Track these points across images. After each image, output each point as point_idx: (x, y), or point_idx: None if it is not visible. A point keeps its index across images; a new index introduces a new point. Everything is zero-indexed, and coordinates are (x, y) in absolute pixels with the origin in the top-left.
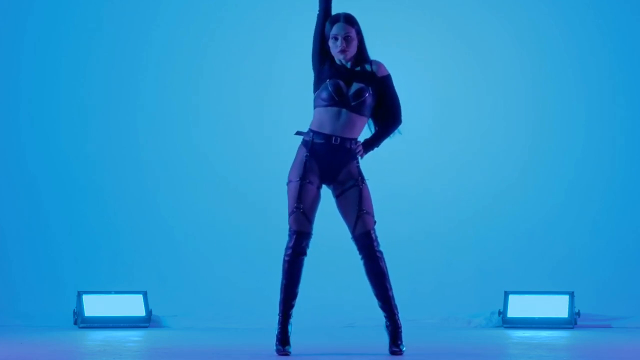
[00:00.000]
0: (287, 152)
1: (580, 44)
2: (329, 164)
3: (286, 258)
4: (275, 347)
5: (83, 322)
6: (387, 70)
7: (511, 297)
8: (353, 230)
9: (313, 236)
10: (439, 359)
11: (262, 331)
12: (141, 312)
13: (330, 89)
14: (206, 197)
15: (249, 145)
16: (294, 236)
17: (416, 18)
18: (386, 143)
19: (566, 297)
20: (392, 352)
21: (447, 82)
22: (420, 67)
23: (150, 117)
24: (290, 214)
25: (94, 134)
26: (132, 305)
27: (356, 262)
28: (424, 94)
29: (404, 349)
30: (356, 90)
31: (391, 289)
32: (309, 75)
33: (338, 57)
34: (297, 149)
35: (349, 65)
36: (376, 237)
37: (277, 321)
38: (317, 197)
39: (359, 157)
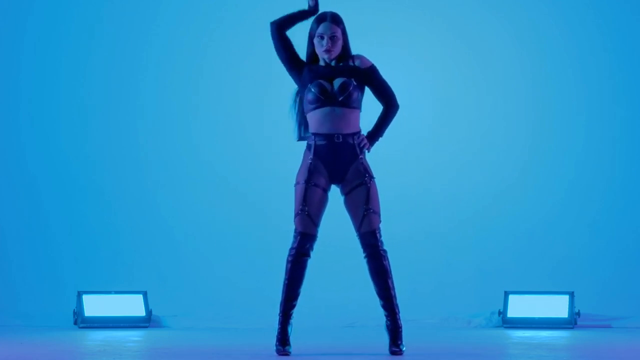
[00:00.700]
0: (287, 152)
1: (580, 44)
2: (335, 163)
3: (289, 258)
4: (275, 347)
5: (83, 322)
6: (370, 61)
7: (511, 297)
8: (358, 228)
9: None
10: (439, 359)
11: (262, 331)
12: (141, 312)
13: (313, 90)
14: (206, 197)
15: (249, 145)
16: (298, 237)
17: (416, 18)
18: (386, 143)
19: (566, 297)
20: (392, 352)
21: (447, 82)
22: (420, 67)
23: (150, 117)
24: (295, 216)
25: (94, 134)
26: (132, 305)
27: (356, 263)
28: (424, 94)
29: (404, 349)
30: (340, 85)
31: (393, 288)
32: None
33: (322, 56)
34: (296, 149)
35: (332, 63)
36: (381, 236)
37: (277, 321)
38: (323, 200)
39: (366, 151)
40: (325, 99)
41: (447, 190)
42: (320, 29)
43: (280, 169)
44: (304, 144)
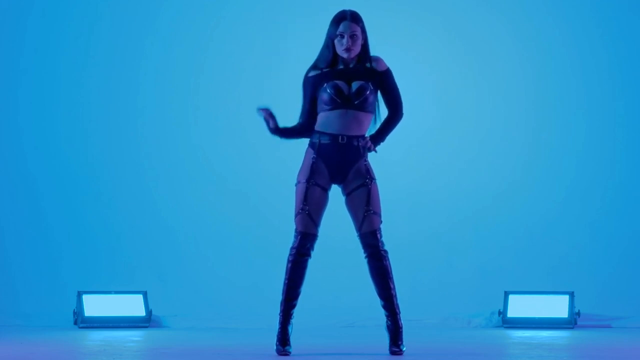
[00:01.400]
0: (287, 152)
1: (580, 44)
2: (337, 163)
3: (290, 258)
4: (275, 347)
5: (83, 322)
6: (386, 65)
7: (511, 297)
8: (359, 229)
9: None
10: (439, 359)
11: (262, 331)
12: (141, 312)
13: (329, 91)
14: (206, 197)
15: (249, 145)
16: (299, 237)
17: (416, 18)
18: (387, 143)
19: (566, 297)
20: (392, 352)
21: (446, 82)
22: (420, 67)
23: (150, 117)
24: (296, 215)
25: (94, 134)
26: (132, 305)
27: (356, 263)
28: (423, 94)
29: (404, 349)
30: (357, 89)
31: (394, 288)
32: None
33: (342, 55)
34: (296, 149)
35: (351, 64)
36: (382, 236)
37: (277, 321)
38: (323, 200)
39: (374, 152)
40: (341, 102)
41: (447, 190)
42: (341, 28)
43: (281, 169)
44: (303, 142)
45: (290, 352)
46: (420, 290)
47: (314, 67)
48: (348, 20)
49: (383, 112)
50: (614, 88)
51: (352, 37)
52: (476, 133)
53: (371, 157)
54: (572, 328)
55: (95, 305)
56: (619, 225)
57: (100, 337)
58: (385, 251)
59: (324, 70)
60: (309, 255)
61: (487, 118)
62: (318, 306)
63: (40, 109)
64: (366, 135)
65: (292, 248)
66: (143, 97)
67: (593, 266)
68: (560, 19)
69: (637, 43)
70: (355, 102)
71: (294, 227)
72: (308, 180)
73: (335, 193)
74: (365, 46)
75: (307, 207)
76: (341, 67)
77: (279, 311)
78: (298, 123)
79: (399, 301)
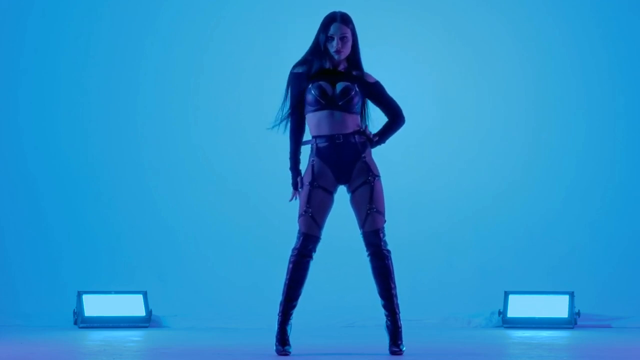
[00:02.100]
0: (287, 152)
1: (580, 44)
2: (339, 163)
3: (291, 259)
4: (275, 347)
5: (83, 322)
6: (374, 78)
7: (511, 297)
8: (362, 227)
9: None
10: (439, 359)
11: (262, 331)
12: (141, 312)
13: (313, 92)
14: (206, 197)
15: (249, 145)
16: (301, 238)
17: (416, 18)
18: (387, 143)
19: (566, 297)
20: (392, 352)
21: (446, 83)
22: (420, 67)
23: (150, 117)
24: (299, 217)
25: (94, 134)
26: (132, 305)
27: (357, 263)
28: (423, 94)
29: (404, 349)
30: (342, 89)
31: (395, 288)
32: None
33: (334, 57)
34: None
35: (339, 67)
36: (385, 236)
37: (277, 321)
38: (327, 202)
39: (371, 144)
40: (325, 103)
41: (448, 190)
42: (331, 30)
43: (281, 169)
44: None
45: (290, 352)
46: (420, 290)
47: (301, 63)
48: (338, 22)
49: (378, 116)
50: (614, 88)
51: (342, 39)
52: (476, 133)
53: (372, 156)
54: (572, 328)
55: (95, 305)
56: (619, 225)
57: (100, 337)
58: (388, 251)
59: (310, 70)
60: (310, 256)
61: (487, 118)
62: (318, 306)
63: (40, 109)
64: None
65: (294, 249)
66: (143, 97)
67: (593, 266)
68: (560, 19)
69: (637, 43)
70: (340, 103)
71: (295, 227)
72: (311, 183)
73: (338, 193)
74: (355, 48)
75: (310, 210)
76: (328, 67)
77: (278, 311)
78: (293, 129)
79: (399, 301)
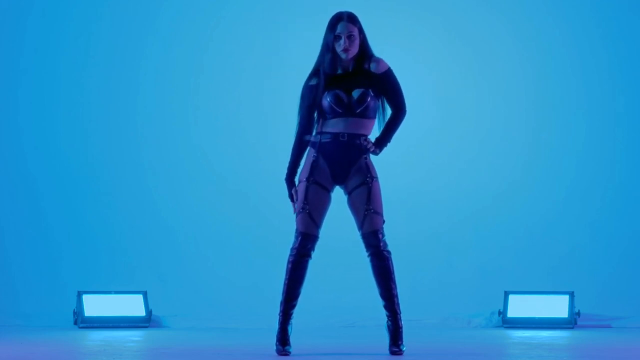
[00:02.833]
0: (287, 152)
1: (580, 44)
2: (338, 161)
3: (290, 259)
4: (275, 347)
5: (83, 322)
6: (387, 65)
7: (511, 297)
8: (360, 228)
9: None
10: (439, 359)
11: (262, 331)
12: (141, 312)
13: (329, 99)
14: (206, 197)
15: (249, 145)
16: (299, 238)
17: (416, 18)
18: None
19: (566, 297)
20: (392, 352)
21: (446, 82)
22: (420, 67)
23: (150, 117)
24: (297, 214)
25: (94, 134)
26: (132, 305)
27: (357, 263)
28: (423, 94)
29: (404, 349)
30: (358, 97)
31: (396, 289)
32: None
33: (341, 56)
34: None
35: (350, 68)
36: (384, 236)
37: (277, 321)
38: (325, 199)
39: (374, 154)
40: (342, 111)
41: (448, 190)
42: (338, 29)
43: (281, 169)
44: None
45: (290, 352)
46: (420, 290)
47: (314, 73)
48: (345, 20)
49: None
50: (614, 88)
51: (350, 37)
52: (476, 133)
53: (372, 157)
54: (572, 328)
55: (95, 305)
56: (619, 225)
57: (100, 337)
58: (389, 252)
59: (324, 77)
60: (309, 256)
61: (487, 118)
62: (318, 306)
63: (40, 109)
64: (371, 140)
65: (292, 249)
66: (143, 97)
67: (593, 266)
68: (560, 19)
69: (637, 43)
70: (357, 111)
71: (295, 227)
72: (308, 179)
73: (337, 193)
74: (363, 46)
75: (308, 207)
76: (340, 72)
77: (278, 311)
78: (296, 142)
79: (399, 301)
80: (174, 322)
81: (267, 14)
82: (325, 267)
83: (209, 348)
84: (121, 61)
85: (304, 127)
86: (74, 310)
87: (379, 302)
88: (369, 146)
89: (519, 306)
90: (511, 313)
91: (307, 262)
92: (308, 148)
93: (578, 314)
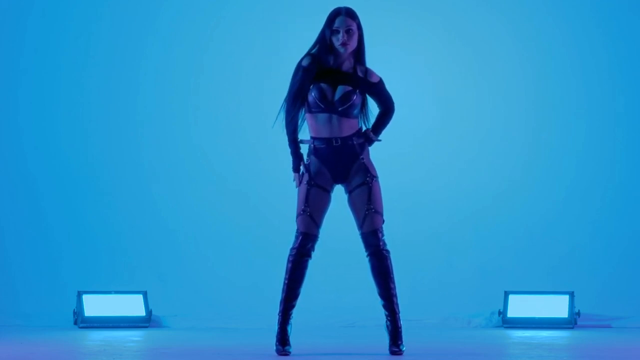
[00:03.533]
0: (287, 152)
1: (580, 44)
2: (336, 164)
3: (290, 258)
4: (275, 347)
5: (83, 322)
6: (377, 76)
7: (511, 297)
8: (360, 227)
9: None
10: (439, 359)
11: (262, 331)
12: (141, 312)
13: (314, 94)
14: (206, 197)
15: (249, 145)
16: (300, 237)
17: (416, 18)
18: (387, 143)
19: (566, 297)
20: (392, 352)
21: (446, 82)
22: (420, 67)
23: (150, 117)
24: (297, 216)
25: (94, 134)
26: (132, 305)
27: (357, 263)
28: (423, 94)
29: (404, 349)
30: (342, 95)
31: (395, 288)
32: None
33: (340, 50)
34: (301, 149)
35: (343, 66)
36: (383, 236)
37: (277, 321)
38: (325, 201)
39: (374, 140)
40: (324, 107)
41: (447, 190)
42: (336, 24)
43: (280, 169)
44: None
45: (290, 352)
46: (420, 290)
47: (311, 58)
48: (343, 15)
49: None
50: (614, 88)
51: (348, 32)
52: (476, 133)
53: (372, 155)
54: (572, 328)
55: (95, 305)
56: (619, 225)
57: (100, 337)
58: (388, 251)
59: (317, 67)
60: (309, 255)
61: (487, 118)
62: (318, 306)
63: (40, 109)
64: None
65: (292, 248)
66: (143, 97)
67: (593, 266)
68: (560, 19)
69: (637, 43)
70: (340, 109)
71: (295, 227)
72: (309, 182)
73: (337, 193)
74: (361, 43)
75: (309, 209)
76: (332, 67)
77: (278, 311)
78: (293, 118)
79: (399, 301)
80: (174, 322)
81: (267, 14)
82: (325, 267)
83: (209, 348)
84: (121, 61)
85: (297, 105)
86: (74, 310)
87: (378, 302)
88: (368, 134)
89: (519, 306)
90: (511, 313)
91: (307, 261)
92: (308, 151)
93: (578, 314)
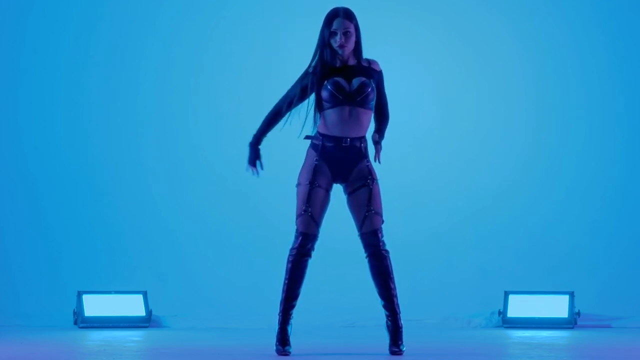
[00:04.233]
0: (287, 152)
1: (580, 44)
2: (339, 164)
3: (290, 258)
4: (275, 347)
5: (83, 322)
6: (380, 67)
7: (511, 297)
8: (360, 228)
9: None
10: (439, 359)
11: (262, 331)
12: (141, 312)
13: (330, 87)
14: (206, 197)
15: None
16: (300, 237)
17: (416, 18)
18: (387, 142)
19: (566, 297)
20: (392, 352)
21: (447, 83)
22: (420, 67)
23: (150, 117)
24: (298, 216)
25: (94, 134)
26: (132, 305)
27: (357, 263)
28: (423, 94)
29: (404, 349)
30: (359, 85)
31: (395, 288)
32: None
33: (337, 51)
34: (296, 148)
35: (348, 62)
36: (383, 236)
37: (277, 321)
38: (325, 201)
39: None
40: (342, 98)
41: (447, 190)
42: (334, 25)
43: (280, 169)
44: (303, 143)
45: (290, 352)
46: (420, 290)
47: (317, 64)
48: (341, 17)
49: None
50: (614, 88)
51: (346, 33)
52: (476, 133)
53: (371, 156)
54: (572, 328)
55: (95, 305)
56: (619, 225)
57: (100, 337)
58: (387, 251)
59: (324, 68)
60: (309, 255)
61: (487, 118)
62: (318, 306)
63: (40, 109)
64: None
65: (292, 248)
66: (143, 97)
67: (593, 266)
68: (560, 19)
69: (637, 43)
70: (358, 99)
71: (294, 227)
72: (311, 183)
73: (337, 193)
74: (358, 44)
75: (310, 209)
76: (339, 65)
77: (278, 311)
78: (272, 111)
79: (399, 301)
80: (174, 322)
81: (267, 14)
82: (325, 267)
83: (209, 348)
84: (121, 61)
85: (288, 102)
86: (74, 310)
87: (379, 302)
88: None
89: (519, 306)
90: (511, 313)
91: (307, 261)
92: (309, 149)
93: (578, 314)
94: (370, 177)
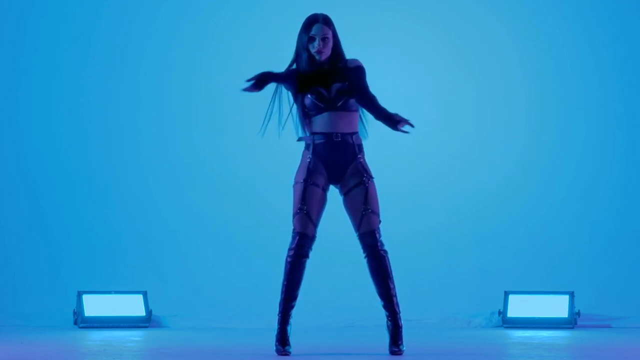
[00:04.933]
0: (287, 152)
1: (580, 44)
2: (333, 162)
3: (288, 259)
4: (275, 347)
5: (83, 322)
6: (360, 63)
7: (511, 297)
8: (357, 229)
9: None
10: (439, 359)
11: (262, 331)
12: (141, 312)
13: (311, 97)
14: (206, 197)
15: (249, 145)
16: (297, 238)
17: (416, 18)
18: (386, 142)
19: (566, 297)
20: (392, 352)
21: (447, 83)
22: (420, 67)
23: (150, 117)
24: (294, 215)
25: (94, 134)
26: (132, 305)
27: (356, 263)
28: (423, 95)
29: (404, 349)
30: (337, 91)
31: (394, 288)
32: None
33: (315, 57)
34: (296, 148)
35: (326, 66)
36: (381, 236)
37: (277, 321)
38: (322, 199)
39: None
40: (324, 106)
41: (447, 190)
42: (313, 31)
43: (280, 169)
44: (302, 143)
45: (290, 352)
46: (420, 290)
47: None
48: (320, 23)
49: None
50: (614, 88)
51: (324, 39)
52: (476, 133)
53: (371, 156)
54: (572, 328)
55: (95, 305)
56: (619, 225)
57: (100, 337)
58: (385, 251)
59: (304, 74)
60: (307, 256)
61: (487, 118)
62: (318, 306)
63: (40, 109)
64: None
65: (290, 249)
66: (143, 98)
67: (593, 266)
68: (560, 19)
69: (637, 43)
70: (338, 104)
71: (291, 227)
72: (305, 180)
73: (335, 193)
74: (336, 48)
75: (305, 207)
76: (316, 69)
77: (278, 311)
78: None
79: (399, 301)
80: (174, 322)
81: (267, 14)
82: (324, 267)
83: (209, 348)
84: (121, 61)
85: (276, 74)
86: (74, 310)
87: (378, 302)
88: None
89: (519, 306)
90: (511, 313)
91: (304, 262)
92: (303, 150)
93: (578, 314)
94: (365, 174)
